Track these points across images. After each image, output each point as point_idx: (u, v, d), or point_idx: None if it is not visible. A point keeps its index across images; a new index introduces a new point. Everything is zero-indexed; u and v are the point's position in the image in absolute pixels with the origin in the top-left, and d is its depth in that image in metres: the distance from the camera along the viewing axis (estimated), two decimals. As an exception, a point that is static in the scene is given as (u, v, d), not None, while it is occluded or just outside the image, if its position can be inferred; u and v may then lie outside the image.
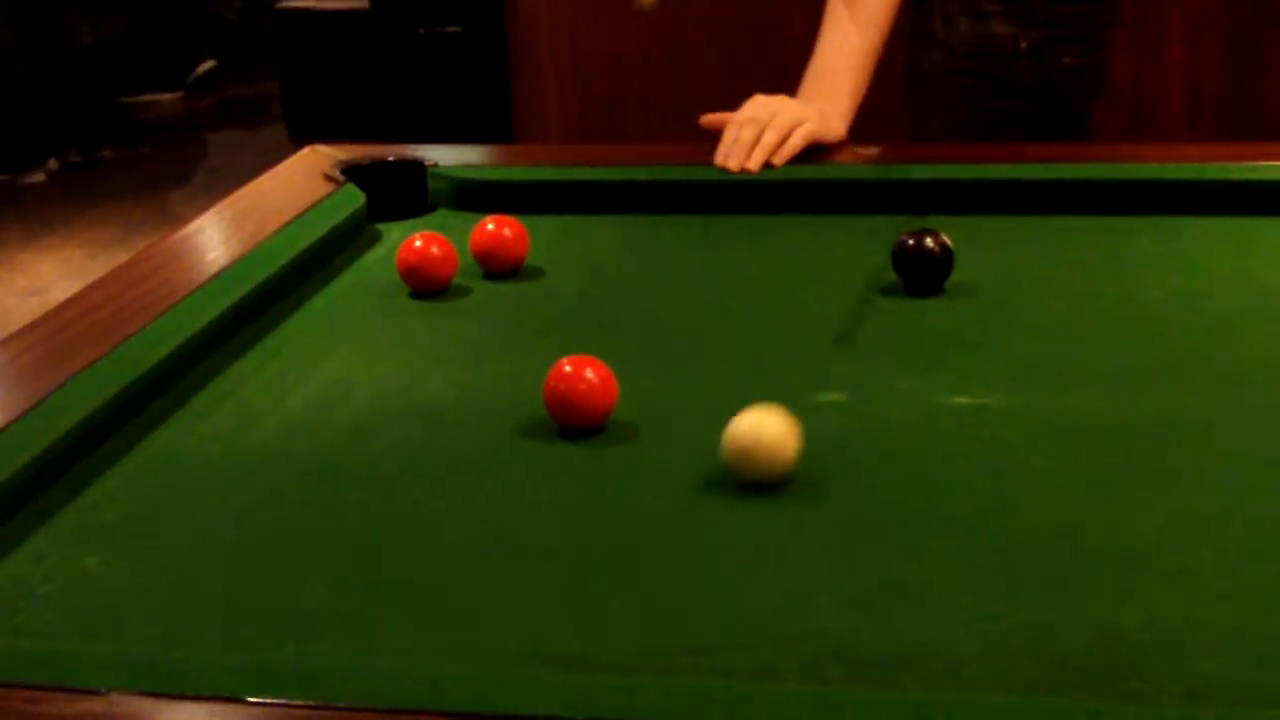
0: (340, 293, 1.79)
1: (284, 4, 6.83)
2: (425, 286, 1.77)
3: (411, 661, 1.06)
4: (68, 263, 5.37)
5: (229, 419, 1.47)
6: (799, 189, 2.01)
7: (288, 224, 1.85)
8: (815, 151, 2.07)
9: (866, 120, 2.19)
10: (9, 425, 1.34)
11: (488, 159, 2.26)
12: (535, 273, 1.84)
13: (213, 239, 1.88)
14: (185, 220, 1.97)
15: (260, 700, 0.97)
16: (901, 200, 1.98)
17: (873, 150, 2.14)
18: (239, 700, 0.97)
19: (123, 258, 1.87)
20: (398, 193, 2.05)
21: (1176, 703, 0.98)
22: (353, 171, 2.04)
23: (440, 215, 2.02)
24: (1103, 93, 2.54)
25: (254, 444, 1.42)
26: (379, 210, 1.99)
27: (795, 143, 2.03)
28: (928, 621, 1.08)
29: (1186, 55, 3.96)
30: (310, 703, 0.97)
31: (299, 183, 2.04)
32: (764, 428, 1.27)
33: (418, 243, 1.77)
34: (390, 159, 2.11)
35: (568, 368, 1.39)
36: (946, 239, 1.70)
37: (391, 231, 1.96)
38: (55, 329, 1.57)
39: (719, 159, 2.03)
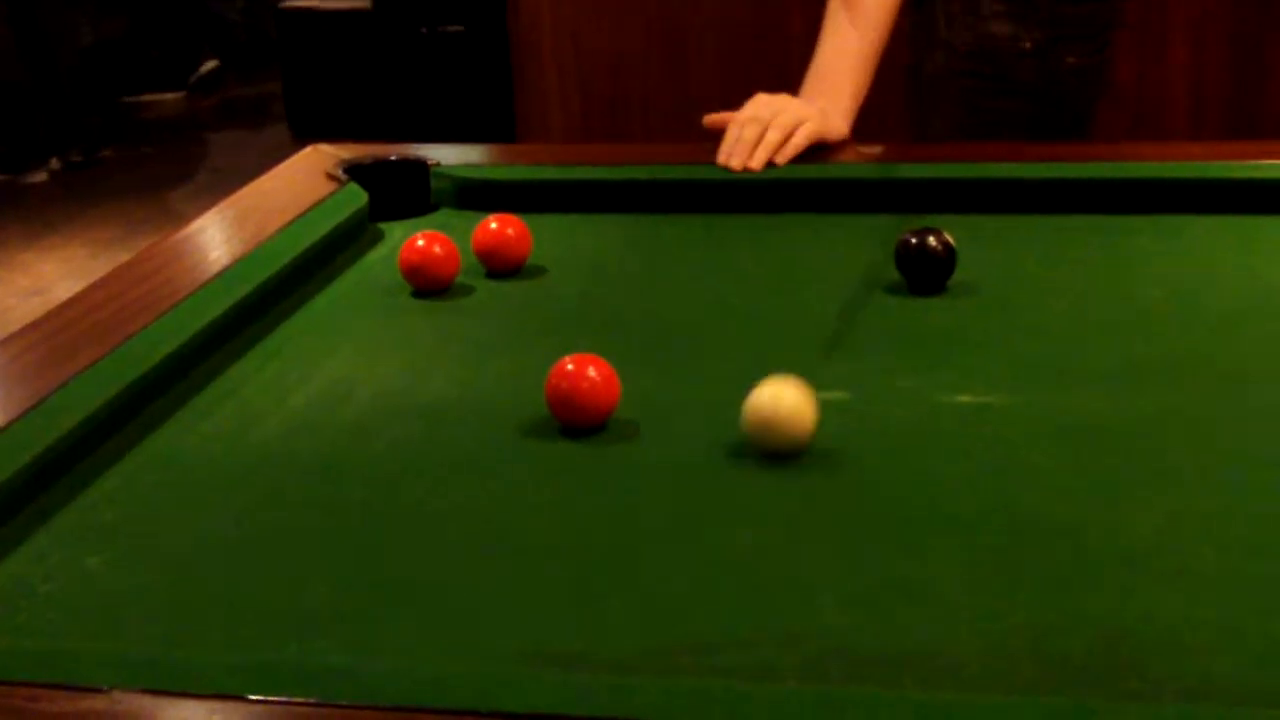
0: (342, 292, 1.79)
1: (286, 3, 6.83)
2: (427, 285, 1.77)
3: (413, 660, 1.06)
4: (69, 262, 5.38)
5: (231, 418, 1.47)
6: (801, 188, 2.01)
7: (290, 223, 1.85)
8: (818, 150, 2.07)
9: (868, 120, 2.19)
10: (11, 424, 1.34)
11: (490, 158, 2.26)
12: (537, 272, 1.84)
13: (215, 238, 1.88)
14: (187, 220, 1.98)
15: (262, 699, 0.97)
16: (904, 199, 1.98)
17: (875, 149, 2.14)
18: (240, 698, 0.97)
19: (124, 257, 1.87)
20: (400, 192, 2.05)
21: (1177, 702, 0.98)
22: (355, 171, 2.04)
23: (442, 214, 2.02)
24: (1106, 93, 2.54)
25: (256, 443, 1.42)
26: (381, 209, 1.99)
27: (798, 142, 2.03)
28: (928, 620, 1.08)
29: (1190, 57, 3.96)
30: (312, 701, 0.97)
31: (301, 182, 2.04)
32: (782, 399, 1.31)
33: (420, 242, 1.77)
34: (392, 158, 2.11)
35: (570, 366, 1.39)
36: (949, 238, 1.70)
37: (394, 231, 1.96)
38: (57, 328, 1.58)
39: (721, 158, 2.03)
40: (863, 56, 2.19)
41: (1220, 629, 1.06)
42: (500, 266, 1.82)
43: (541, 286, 1.81)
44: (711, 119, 2.09)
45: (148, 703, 0.98)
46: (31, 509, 1.27)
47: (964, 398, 1.45)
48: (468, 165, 2.12)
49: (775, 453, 1.32)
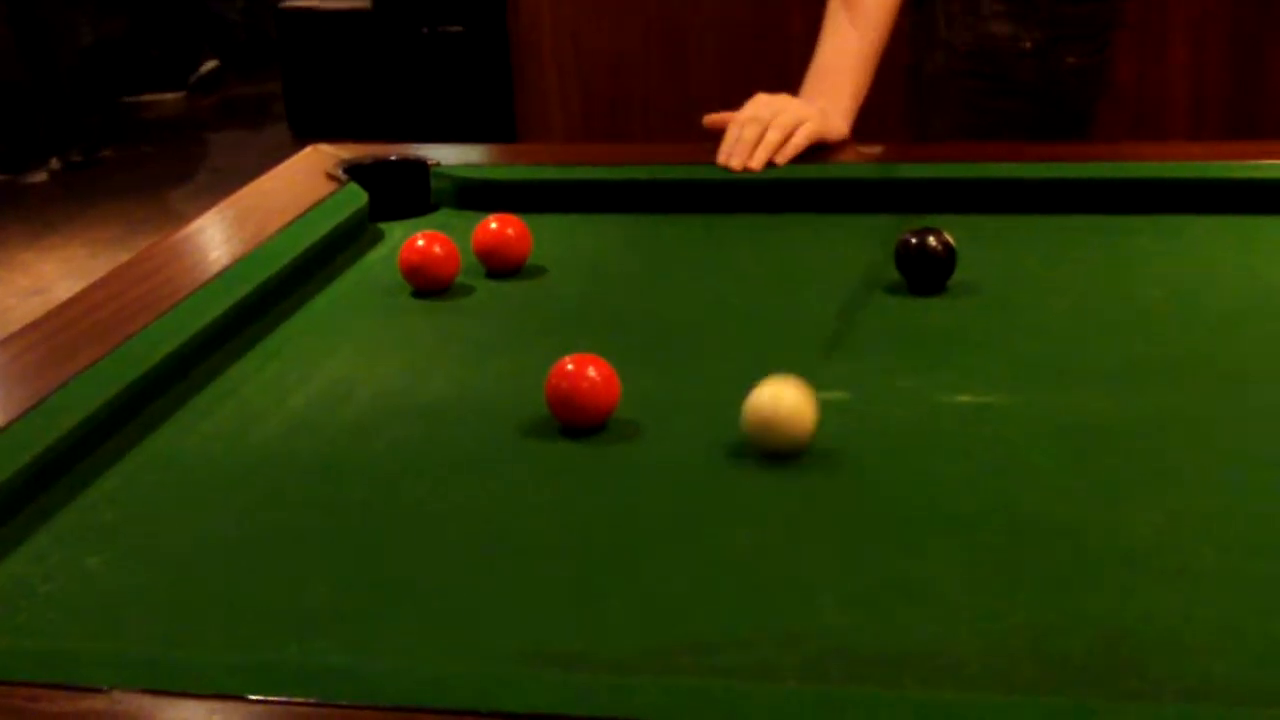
0: (342, 292, 1.79)
1: (286, 3, 6.83)
2: (427, 285, 1.77)
3: (413, 660, 1.06)
4: (70, 262, 5.38)
5: (231, 418, 1.47)
6: (801, 188, 2.01)
7: (290, 223, 1.85)
8: (818, 150, 2.07)
9: (868, 120, 2.19)
10: (11, 424, 1.34)
11: (490, 158, 2.26)
12: (537, 272, 1.84)
13: (215, 238, 1.88)
14: (187, 219, 1.98)
15: (262, 699, 0.97)
16: (904, 199, 1.98)
17: (875, 149, 2.14)
18: (241, 698, 0.97)
19: (125, 257, 1.87)
20: (400, 192, 2.05)
21: (1177, 702, 0.98)
22: (355, 171, 2.04)
23: (442, 214, 2.02)
24: (1106, 93, 2.54)
25: (256, 443, 1.42)
26: (381, 209, 1.99)
27: (798, 142, 2.03)
28: (928, 620, 1.08)
29: (1190, 57, 3.96)
30: (312, 701, 0.97)
31: (301, 182, 2.04)
32: (782, 399, 1.31)
33: (420, 242, 1.77)
34: (393, 158, 2.11)
35: (570, 366, 1.39)
36: (949, 238, 1.70)
37: (394, 231, 1.96)
38: (57, 328, 1.58)
39: (721, 158, 2.03)
40: (863, 56, 2.19)
41: (1220, 629, 1.06)
42: (500, 266, 1.82)
43: (541, 286, 1.81)
44: (711, 119, 2.09)
45: (148, 703, 0.98)
46: (32, 509, 1.27)
47: (964, 398, 1.45)
48: (468, 165, 2.12)
49: (775, 453, 1.32)
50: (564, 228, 1.98)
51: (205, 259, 1.79)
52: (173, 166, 6.61)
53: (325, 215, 1.89)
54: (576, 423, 1.39)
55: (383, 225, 1.98)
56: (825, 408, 1.35)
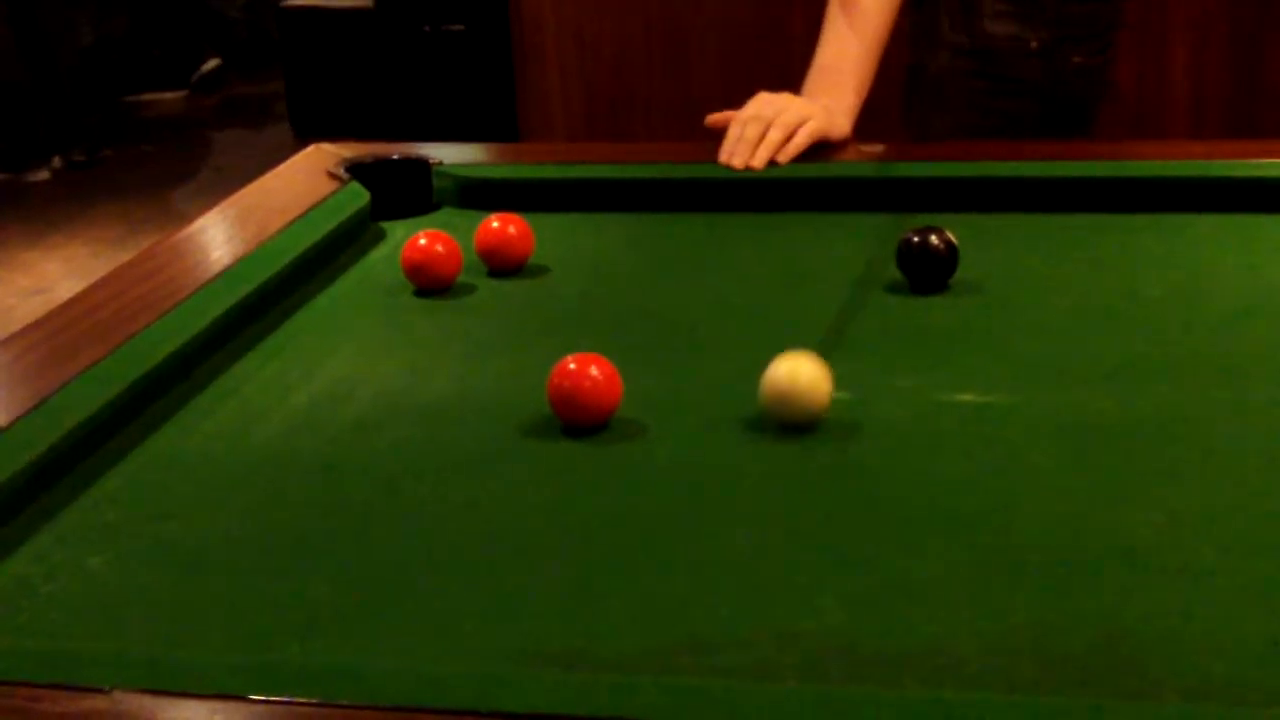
0: (344, 291, 1.79)
1: (288, 2, 6.83)
2: (429, 284, 1.77)
3: (414, 660, 1.06)
4: (71, 261, 5.38)
5: (232, 417, 1.47)
6: (803, 187, 2.01)
7: (292, 222, 1.85)
8: (820, 149, 2.07)
9: (869, 120, 2.19)
10: (13, 424, 1.34)
11: (492, 157, 2.26)
12: (539, 271, 1.84)
13: (216, 237, 1.88)
14: (189, 219, 1.98)
15: (263, 699, 0.98)
16: (906, 198, 1.98)
17: (877, 148, 2.14)
18: (242, 698, 0.98)
19: (126, 256, 1.87)
20: (402, 191, 2.05)
21: (1177, 701, 0.98)
22: (357, 170, 2.04)
23: (445, 213, 2.02)
24: (1107, 93, 2.53)
25: (257, 442, 1.42)
26: (383, 208, 1.99)
27: (800, 140, 2.03)
28: (929, 619, 1.08)
29: (1190, 57, 3.96)
30: (313, 701, 0.97)
31: (303, 181, 2.04)
32: (799, 372, 1.36)
33: (422, 241, 1.77)
34: (394, 157, 2.11)
35: (571, 365, 1.39)
36: (951, 236, 1.70)
37: (396, 230, 1.96)
38: (59, 328, 1.58)
39: (723, 157, 2.03)
40: (864, 55, 2.19)
41: (1221, 628, 1.06)
42: (502, 265, 1.82)
43: (543, 285, 1.81)
44: (714, 118, 2.09)
45: (149, 703, 0.98)
46: (33, 509, 1.27)
47: (965, 397, 1.46)
48: (469, 164, 2.12)
49: (792, 424, 1.36)
50: (566, 227, 1.98)
51: (207, 258, 1.79)
52: (174, 166, 6.61)
53: (327, 214, 1.89)
54: (578, 422, 1.39)
55: (384, 224, 1.98)
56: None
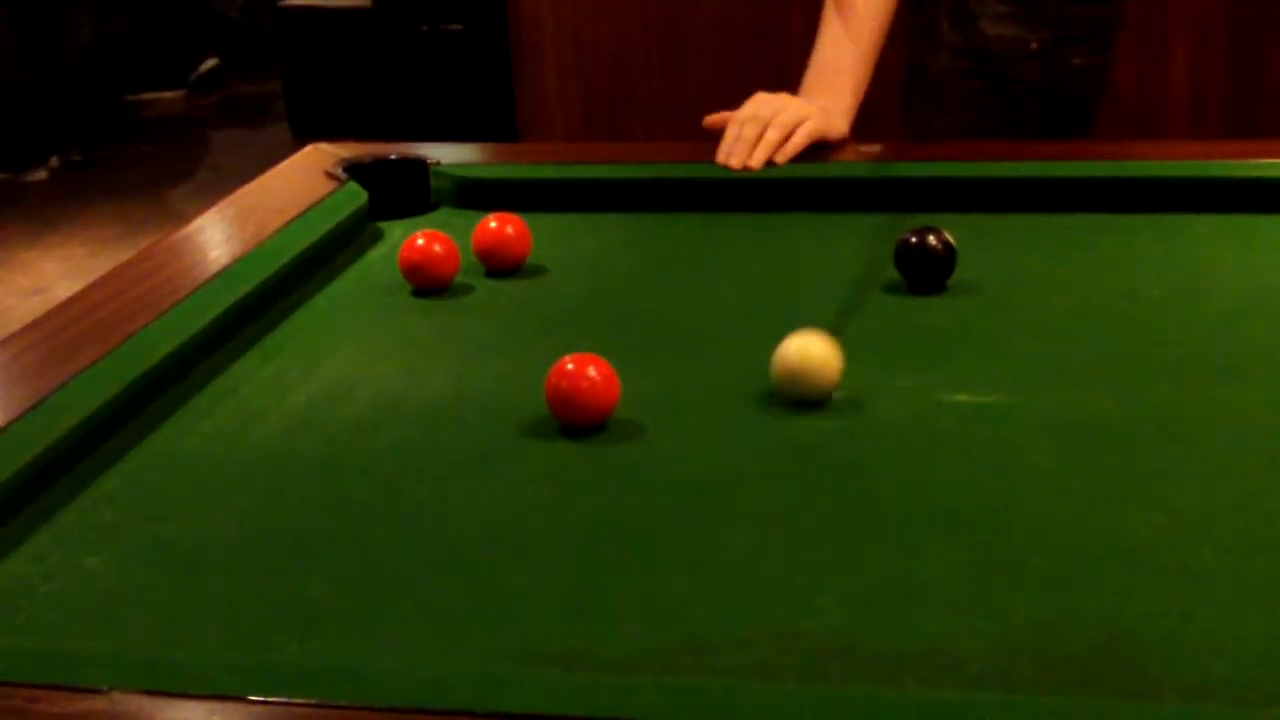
0: (342, 291, 1.79)
1: (286, 2, 6.83)
2: (427, 285, 1.77)
3: (412, 660, 1.06)
4: (69, 261, 5.38)
5: (231, 417, 1.47)
6: (801, 187, 2.01)
7: (290, 222, 1.85)
8: (818, 149, 2.07)
9: (868, 120, 2.19)
10: (11, 424, 1.34)
11: (490, 157, 2.26)
12: (537, 271, 1.84)
13: (215, 237, 1.88)
14: (187, 218, 1.97)
15: (262, 699, 0.97)
16: (904, 198, 1.98)
17: (875, 148, 2.14)
18: (240, 699, 0.97)
19: (125, 256, 1.87)
20: (400, 191, 2.05)
21: (1177, 701, 0.98)
22: (355, 169, 2.04)
23: (442, 213, 2.02)
24: (1107, 94, 2.53)
25: (256, 443, 1.42)
26: (381, 208, 1.99)
27: (798, 140, 2.03)
28: (929, 619, 1.08)
29: (1190, 57, 3.96)
30: (312, 701, 0.97)
31: (301, 181, 2.04)
32: (810, 349, 1.41)
33: (420, 241, 1.77)
34: (392, 157, 2.11)
35: (570, 366, 1.39)
36: (949, 237, 1.70)
37: (394, 230, 1.96)
38: (57, 327, 1.57)
39: (721, 157, 2.03)
40: (861, 54, 2.19)
41: (1221, 628, 1.06)
42: (500, 265, 1.82)
43: (541, 286, 1.81)
44: (712, 119, 2.09)
45: (147, 703, 0.98)
46: (32, 509, 1.27)
47: (964, 397, 1.45)
48: (467, 164, 2.12)
49: (803, 399, 1.40)
50: (564, 227, 1.98)
51: (205, 258, 1.79)
52: (173, 165, 6.61)
53: (325, 214, 1.89)
54: (576, 422, 1.39)
55: (382, 224, 1.98)
56: (825, 407, 1.35)
